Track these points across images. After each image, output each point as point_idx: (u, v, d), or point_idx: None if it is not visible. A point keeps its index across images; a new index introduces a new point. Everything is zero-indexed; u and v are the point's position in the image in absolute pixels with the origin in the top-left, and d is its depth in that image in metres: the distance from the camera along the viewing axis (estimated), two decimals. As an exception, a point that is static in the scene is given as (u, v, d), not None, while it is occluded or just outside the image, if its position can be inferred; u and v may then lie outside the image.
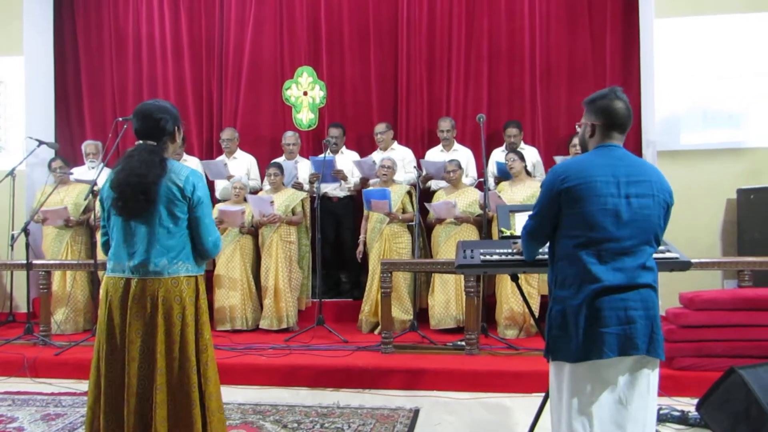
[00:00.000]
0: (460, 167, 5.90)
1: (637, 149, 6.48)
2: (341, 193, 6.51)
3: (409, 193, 5.98)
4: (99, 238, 2.94)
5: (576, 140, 5.65)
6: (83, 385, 2.85)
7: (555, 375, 2.42)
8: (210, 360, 2.70)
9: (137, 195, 2.59)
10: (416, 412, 4.02)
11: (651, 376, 2.34)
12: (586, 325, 2.27)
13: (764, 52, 5.78)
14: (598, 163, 2.36)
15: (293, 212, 6.06)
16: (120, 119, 4.93)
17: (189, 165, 3.13)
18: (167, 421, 2.57)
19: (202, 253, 2.75)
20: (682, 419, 3.67)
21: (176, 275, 2.65)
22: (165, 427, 2.56)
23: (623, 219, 2.29)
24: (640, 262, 2.30)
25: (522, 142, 6.28)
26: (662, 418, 3.70)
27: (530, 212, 2.51)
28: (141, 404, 2.58)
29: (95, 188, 4.85)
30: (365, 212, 6.06)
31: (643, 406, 2.31)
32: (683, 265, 2.87)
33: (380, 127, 6.51)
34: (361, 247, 6.06)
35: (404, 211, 5.89)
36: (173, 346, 2.61)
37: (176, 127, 2.78)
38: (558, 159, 5.92)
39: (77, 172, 6.44)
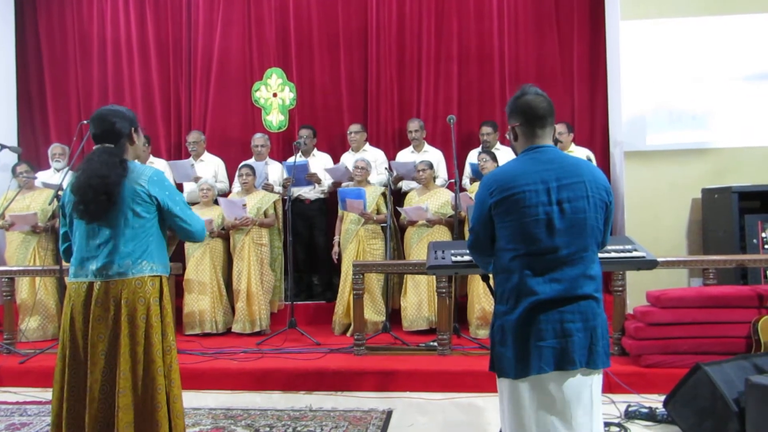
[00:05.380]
0: (430, 167, 5.92)
1: (605, 150, 6.57)
2: (314, 195, 6.48)
3: (383, 194, 5.98)
4: (60, 245, 2.89)
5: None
6: (49, 394, 2.79)
7: (500, 390, 2.36)
8: (174, 362, 2.68)
9: (99, 196, 2.56)
10: (389, 413, 4.02)
11: (594, 388, 2.26)
12: (524, 340, 2.20)
13: (728, 54, 5.90)
14: (526, 170, 2.26)
15: (265, 214, 6.01)
16: (85, 122, 4.84)
17: (156, 167, 3.08)
18: (133, 426, 2.54)
19: (191, 240, 2.92)
20: (650, 416, 3.73)
21: (141, 275, 2.62)
22: (130, 431, 2.53)
23: (557, 228, 2.20)
24: (581, 270, 2.22)
25: (498, 143, 6.28)
26: (630, 415, 3.77)
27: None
28: (103, 409, 2.54)
29: (59, 193, 4.76)
30: (340, 212, 6.04)
31: (588, 421, 2.23)
32: (650, 264, 2.90)
33: (355, 127, 6.51)
34: (336, 248, 6.04)
35: (378, 213, 5.89)
36: (137, 348, 2.58)
37: (133, 129, 2.75)
38: None
39: (42, 177, 6.30)
